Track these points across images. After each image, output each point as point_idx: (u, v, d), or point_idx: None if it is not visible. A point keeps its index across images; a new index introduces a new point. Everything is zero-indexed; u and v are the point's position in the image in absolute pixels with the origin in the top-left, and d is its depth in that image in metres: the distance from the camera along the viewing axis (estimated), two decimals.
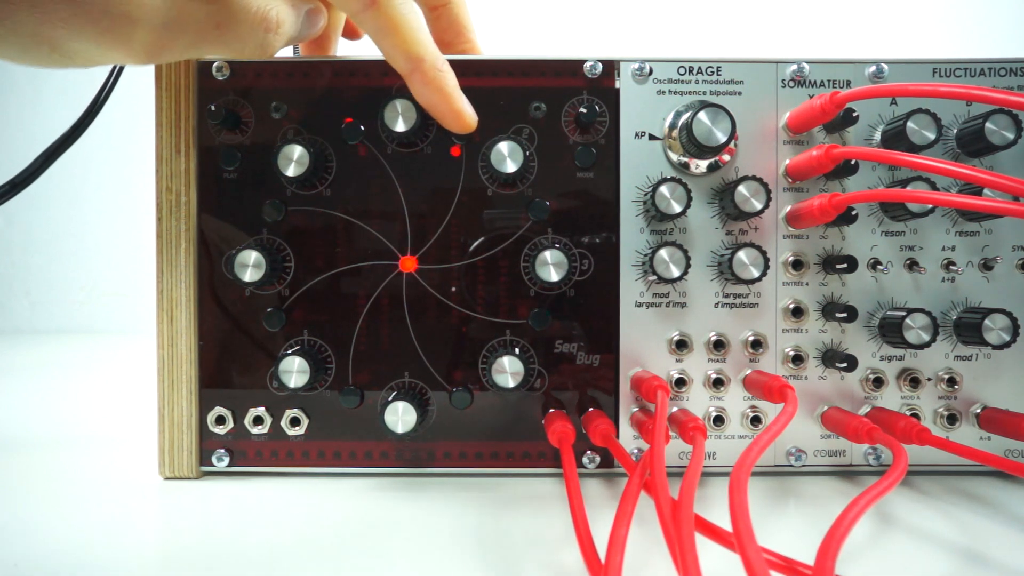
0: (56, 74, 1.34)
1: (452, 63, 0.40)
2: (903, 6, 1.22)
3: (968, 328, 0.38)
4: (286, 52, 0.48)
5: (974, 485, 0.38)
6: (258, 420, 0.40)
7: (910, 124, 0.37)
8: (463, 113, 0.37)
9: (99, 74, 0.42)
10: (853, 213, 0.38)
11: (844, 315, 0.38)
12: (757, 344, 0.39)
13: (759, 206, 0.37)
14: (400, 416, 0.37)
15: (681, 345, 0.40)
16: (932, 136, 0.37)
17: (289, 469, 0.40)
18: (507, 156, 0.38)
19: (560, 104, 0.40)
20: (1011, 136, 0.36)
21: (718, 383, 0.39)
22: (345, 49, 0.47)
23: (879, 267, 0.40)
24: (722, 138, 0.37)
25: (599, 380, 0.40)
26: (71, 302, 1.36)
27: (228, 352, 0.40)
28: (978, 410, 0.40)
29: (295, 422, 0.40)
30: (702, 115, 0.36)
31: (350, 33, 0.49)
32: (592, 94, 0.40)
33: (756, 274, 0.37)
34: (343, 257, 0.40)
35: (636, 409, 0.40)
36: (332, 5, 0.42)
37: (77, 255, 1.36)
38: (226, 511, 0.35)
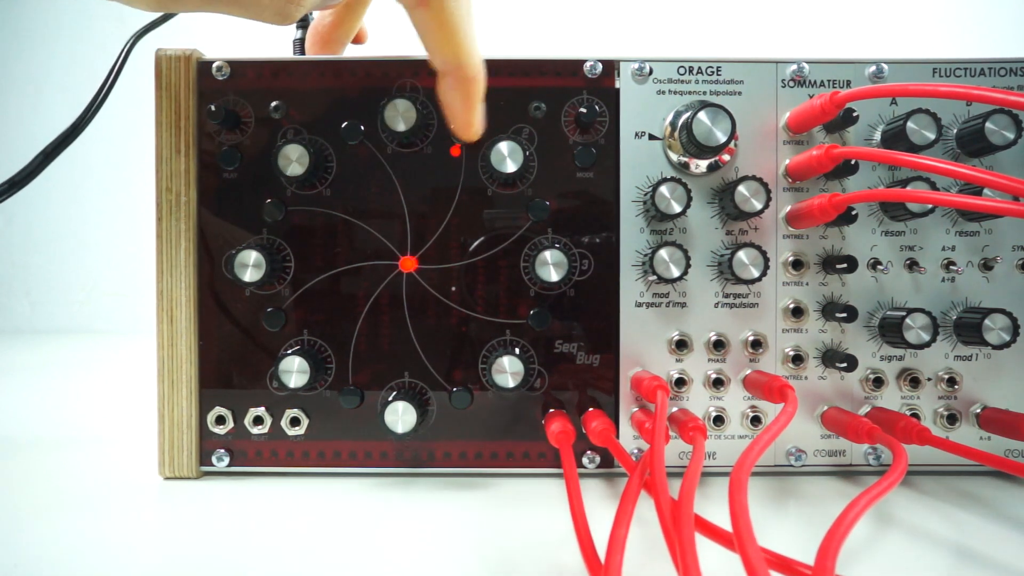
0: (56, 73, 1.34)
1: None
2: (903, 6, 1.22)
3: (968, 328, 0.38)
4: (286, 53, 0.48)
5: (974, 485, 0.38)
6: (258, 420, 0.40)
7: (910, 124, 0.37)
8: (475, 124, 0.37)
9: (99, 74, 0.41)
10: (853, 213, 0.38)
11: (844, 315, 0.38)
12: (757, 344, 0.39)
13: (759, 206, 0.37)
14: (400, 416, 0.37)
15: (681, 345, 0.40)
16: (932, 136, 0.37)
17: (289, 469, 0.40)
18: (507, 156, 0.38)
19: (560, 104, 0.40)
20: (1011, 136, 0.36)
21: (718, 383, 0.39)
22: (344, 49, 0.47)
23: (879, 267, 0.40)
24: (722, 138, 0.37)
25: (599, 380, 0.40)
26: (71, 302, 1.36)
27: (228, 352, 0.40)
28: (978, 410, 0.40)
29: (295, 422, 0.40)
30: (702, 115, 0.36)
31: (357, 38, 0.48)
32: (592, 94, 0.40)
33: (756, 274, 0.37)
34: (343, 257, 0.40)
35: (636, 409, 0.40)
36: None
37: (77, 255, 1.36)
38: (226, 511, 0.35)
